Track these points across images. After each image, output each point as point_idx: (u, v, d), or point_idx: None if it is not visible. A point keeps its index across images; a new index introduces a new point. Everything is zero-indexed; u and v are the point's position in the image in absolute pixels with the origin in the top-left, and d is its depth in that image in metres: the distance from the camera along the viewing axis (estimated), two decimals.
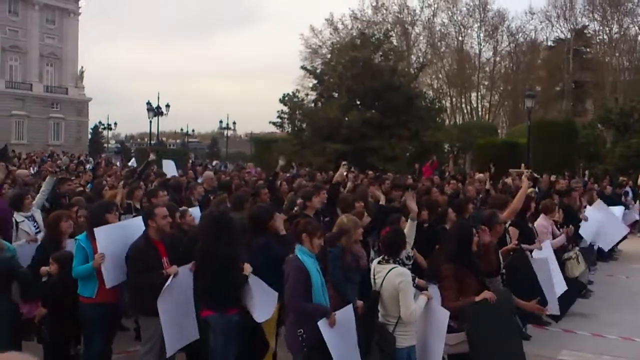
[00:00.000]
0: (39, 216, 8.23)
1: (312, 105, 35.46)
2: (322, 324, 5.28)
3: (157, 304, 5.76)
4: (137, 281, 5.92)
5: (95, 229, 6.00)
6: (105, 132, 70.38)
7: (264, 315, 5.86)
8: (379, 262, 5.49)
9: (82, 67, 68.20)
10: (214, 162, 48.53)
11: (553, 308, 8.27)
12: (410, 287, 5.22)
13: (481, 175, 16.89)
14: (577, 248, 10.40)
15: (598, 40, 56.40)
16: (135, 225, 6.40)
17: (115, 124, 69.79)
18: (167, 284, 5.79)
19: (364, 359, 5.27)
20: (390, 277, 5.19)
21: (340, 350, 5.26)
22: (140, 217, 6.57)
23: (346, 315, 5.44)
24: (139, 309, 6.22)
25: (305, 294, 5.31)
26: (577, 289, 9.64)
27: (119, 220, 6.97)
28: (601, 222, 11.78)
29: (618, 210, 14.25)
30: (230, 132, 60.49)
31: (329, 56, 41.56)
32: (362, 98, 33.85)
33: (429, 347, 5.47)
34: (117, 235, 6.14)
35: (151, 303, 5.78)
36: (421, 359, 5.45)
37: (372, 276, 5.47)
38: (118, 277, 6.10)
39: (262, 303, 5.83)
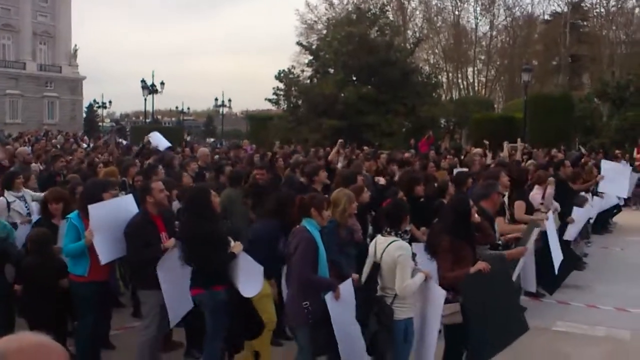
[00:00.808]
0: (29, 197, 8.15)
1: (308, 81, 35.35)
2: (328, 298, 5.32)
3: (157, 274, 5.79)
4: (136, 257, 5.95)
5: (89, 206, 5.98)
6: (100, 111, 70.07)
7: (251, 291, 5.80)
8: (382, 234, 5.47)
9: (75, 45, 67.68)
10: (210, 140, 48.48)
11: (530, 285, 8.38)
12: (409, 262, 5.21)
13: (479, 149, 17.05)
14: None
15: (595, 14, 56.13)
16: (127, 202, 6.39)
17: (110, 102, 69.83)
18: (164, 256, 5.82)
19: (362, 330, 5.29)
20: (390, 250, 5.17)
21: (343, 324, 5.30)
22: (131, 195, 6.55)
23: (347, 289, 5.47)
24: (138, 283, 6.27)
25: (314, 266, 5.33)
26: (572, 262, 9.69)
27: None
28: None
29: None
30: (225, 110, 60.06)
31: (324, 32, 41.33)
32: (358, 74, 33.73)
33: (427, 324, 5.51)
34: (110, 212, 6.11)
35: (150, 277, 5.83)
36: (419, 334, 5.49)
37: (373, 248, 5.43)
38: (113, 252, 6.11)
39: (249, 278, 5.78)
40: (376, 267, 5.27)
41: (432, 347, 5.47)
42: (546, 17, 58.47)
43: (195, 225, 5.66)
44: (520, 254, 6.64)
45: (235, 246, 5.76)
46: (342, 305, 5.35)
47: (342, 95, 32.12)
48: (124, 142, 31.09)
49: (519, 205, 8.34)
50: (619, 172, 13.80)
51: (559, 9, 57.17)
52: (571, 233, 10.44)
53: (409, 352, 5.42)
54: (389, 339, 5.13)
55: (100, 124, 72.34)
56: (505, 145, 16.04)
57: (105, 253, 5.99)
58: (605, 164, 13.76)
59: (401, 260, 5.11)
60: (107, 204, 6.19)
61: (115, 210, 6.17)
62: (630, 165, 20.77)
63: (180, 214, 6.57)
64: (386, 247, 5.22)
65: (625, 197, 15.36)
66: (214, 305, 5.71)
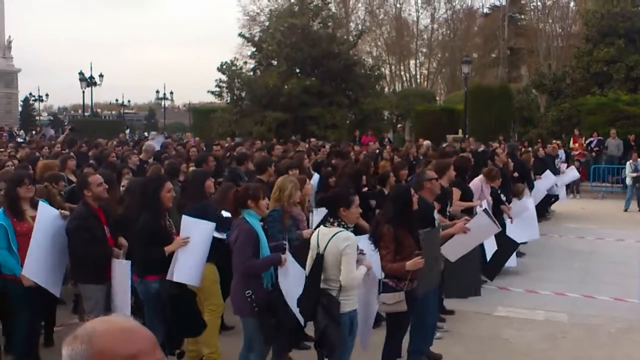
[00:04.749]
0: None
1: (251, 73, 35.08)
2: (281, 273, 5.38)
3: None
4: (82, 251, 5.73)
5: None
6: (36, 104, 68.02)
7: (184, 278, 5.70)
8: (324, 225, 5.36)
9: (9, 37, 65.23)
10: (151, 134, 47.64)
11: None
12: (354, 253, 5.14)
13: (427, 141, 17.67)
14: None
15: (532, 7, 57.47)
16: (46, 213, 6.09)
17: (47, 95, 67.68)
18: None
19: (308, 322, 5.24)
20: (336, 240, 5.09)
21: (293, 292, 5.35)
22: (45, 205, 6.32)
23: (289, 259, 5.55)
24: (81, 277, 6.06)
25: (255, 256, 5.32)
26: (510, 249, 9.92)
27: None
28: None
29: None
30: (168, 103, 59.17)
31: (267, 23, 41.02)
32: (301, 66, 33.68)
33: (368, 312, 5.57)
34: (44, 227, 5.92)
35: (93, 272, 5.71)
36: (362, 324, 5.53)
37: (316, 240, 5.31)
38: (40, 275, 5.88)
39: (185, 270, 5.65)
40: (319, 259, 5.15)
41: (369, 332, 5.53)
42: (485, 10, 59.59)
43: (138, 215, 5.55)
44: (461, 230, 6.74)
45: (172, 245, 5.64)
46: (290, 274, 5.45)
47: (286, 87, 32.01)
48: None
49: (455, 192, 8.50)
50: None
51: (497, 3, 58.21)
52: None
53: (352, 344, 5.42)
54: (338, 332, 5.09)
55: (37, 117, 70.22)
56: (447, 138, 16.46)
57: (30, 268, 5.77)
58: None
59: (348, 251, 5.04)
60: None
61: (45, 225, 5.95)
62: (566, 155, 21.52)
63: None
64: (331, 237, 5.13)
65: None
66: (145, 295, 5.61)
